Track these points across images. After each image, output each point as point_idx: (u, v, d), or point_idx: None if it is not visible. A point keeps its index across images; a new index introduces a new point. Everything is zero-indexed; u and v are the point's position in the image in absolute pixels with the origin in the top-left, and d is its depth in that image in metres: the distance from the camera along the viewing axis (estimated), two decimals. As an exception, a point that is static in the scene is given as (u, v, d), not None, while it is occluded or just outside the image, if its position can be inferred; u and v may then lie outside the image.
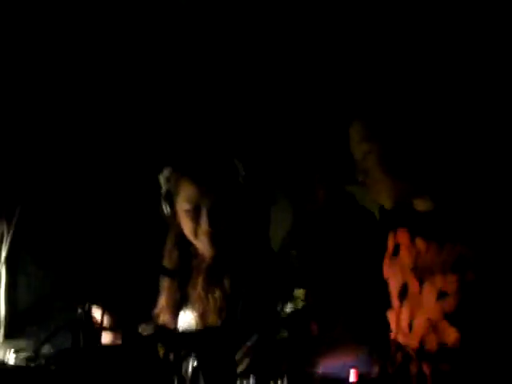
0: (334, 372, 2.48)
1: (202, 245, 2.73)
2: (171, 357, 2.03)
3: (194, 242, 2.75)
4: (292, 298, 2.68)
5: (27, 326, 3.04)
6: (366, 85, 2.54)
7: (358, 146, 2.37)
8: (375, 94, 2.37)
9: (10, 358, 2.30)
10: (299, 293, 2.93)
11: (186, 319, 2.76)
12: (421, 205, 2.38)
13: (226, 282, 2.68)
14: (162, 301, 2.84)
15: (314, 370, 2.39)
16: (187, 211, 2.71)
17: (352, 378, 2.25)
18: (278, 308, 2.53)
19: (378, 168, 2.32)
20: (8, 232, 2.97)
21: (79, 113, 3.52)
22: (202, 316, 2.69)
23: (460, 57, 3.04)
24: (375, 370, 2.48)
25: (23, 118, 3.32)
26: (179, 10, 3.37)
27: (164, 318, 2.80)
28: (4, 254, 2.93)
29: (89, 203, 3.50)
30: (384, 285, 2.56)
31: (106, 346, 2.12)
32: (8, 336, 3.01)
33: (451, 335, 2.26)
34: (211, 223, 2.67)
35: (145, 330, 2.52)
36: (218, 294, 2.68)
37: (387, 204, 2.37)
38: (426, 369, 2.29)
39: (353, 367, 2.26)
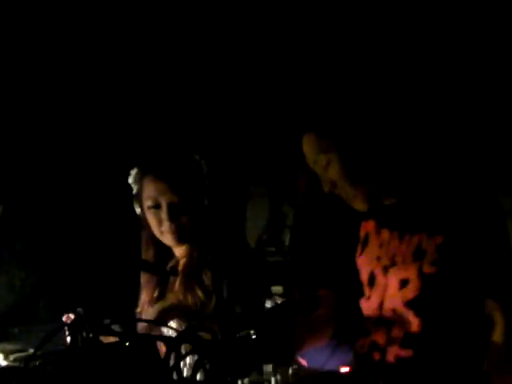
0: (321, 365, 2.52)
1: (169, 242, 2.76)
2: (171, 355, 2.02)
3: (162, 239, 2.77)
4: (271, 295, 2.70)
5: (9, 327, 3.00)
6: (318, 94, 2.59)
7: (316, 159, 2.40)
8: (326, 104, 2.43)
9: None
10: (277, 289, 2.95)
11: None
12: (386, 199, 2.44)
13: (206, 279, 2.69)
14: (143, 298, 2.86)
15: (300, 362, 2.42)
16: (149, 208, 2.73)
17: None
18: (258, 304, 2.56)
19: (342, 177, 2.37)
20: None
21: (57, 115, 3.50)
22: (183, 317, 2.69)
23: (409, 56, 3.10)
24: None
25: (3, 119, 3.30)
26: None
27: (146, 316, 2.79)
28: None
29: (69, 202, 3.48)
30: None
31: (105, 345, 2.10)
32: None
33: (413, 323, 2.33)
34: (171, 219, 2.68)
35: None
36: (199, 293, 2.68)
37: (362, 207, 2.42)
38: (390, 356, 2.35)
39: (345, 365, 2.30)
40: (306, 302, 2.59)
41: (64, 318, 2.56)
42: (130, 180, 2.78)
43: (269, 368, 2.17)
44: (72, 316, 2.53)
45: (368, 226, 2.51)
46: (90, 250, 3.52)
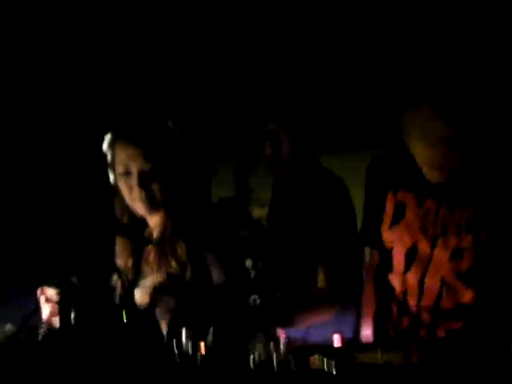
0: (314, 337, 2.53)
1: (140, 210, 2.68)
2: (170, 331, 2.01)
3: (133, 207, 2.68)
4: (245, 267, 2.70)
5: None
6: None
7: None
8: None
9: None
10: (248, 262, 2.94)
11: (141, 292, 2.73)
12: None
13: (180, 250, 2.63)
14: (117, 266, 2.76)
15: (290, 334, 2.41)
16: (120, 175, 2.65)
17: (336, 343, 2.28)
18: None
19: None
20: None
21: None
22: (157, 289, 2.68)
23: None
24: (365, 333, 2.53)
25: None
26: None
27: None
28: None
29: (41, 170, 3.41)
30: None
31: (100, 322, 2.06)
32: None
33: (466, 294, 2.32)
34: (141, 187, 2.61)
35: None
36: (173, 263, 2.67)
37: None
38: (440, 330, 2.33)
39: (337, 332, 2.28)
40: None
41: (38, 293, 2.50)
42: (104, 146, 2.67)
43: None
44: (48, 290, 2.50)
45: (402, 198, 2.44)
46: (64, 219, 3.45)
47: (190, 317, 2.26)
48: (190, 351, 1.98)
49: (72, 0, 3.40)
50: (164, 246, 2.67)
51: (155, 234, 2.74)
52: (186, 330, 2.02)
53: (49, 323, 2.40)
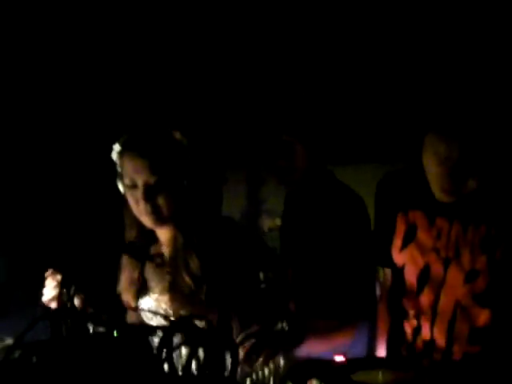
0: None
1: (147, 223, 2.59)
2: (162, 345, 1.94)
3: (141, 220, 2.60)
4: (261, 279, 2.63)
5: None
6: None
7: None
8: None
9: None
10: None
11: (151, 304, 2.63)
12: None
13: (193, 265, 2.55)
14: (123, 280, 2.70)
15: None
16: (127, 187, 2.57)
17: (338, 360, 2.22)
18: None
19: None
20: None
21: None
22: (173, 303, 2.57)
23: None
24: (379, 353, 2.46)
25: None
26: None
27: (125, 297, 2.65)
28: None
29: (46, 183, 3.37)
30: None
31: (92, 335, 1.99)
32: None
33: (482, 316, 2.25)
34: (147, 200, 2.52)
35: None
36: (187, 280, 2.59)
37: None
38: (456, 354, 2.26)
39: (340, 354, 2.22)
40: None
41: (47, 274, 2.47)
42: (114, 156, 2.60)
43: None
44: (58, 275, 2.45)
45: (415, 217, 2.37)
46: (71, 232, 3.41)
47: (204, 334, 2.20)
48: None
49: (85, 13, 3.35)
50: (176, 261, 2.60)
51: (166, 249, 2.67)
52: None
53: (46, 305, 2.39)
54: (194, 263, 2.55)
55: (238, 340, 2.19)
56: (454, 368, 2.25)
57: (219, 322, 2.00)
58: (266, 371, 2.13)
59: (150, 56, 3.58)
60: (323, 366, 2.16)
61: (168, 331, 1.89)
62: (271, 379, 2.07)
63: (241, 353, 2.16)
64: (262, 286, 2.57)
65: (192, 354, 1.89)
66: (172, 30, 3.54)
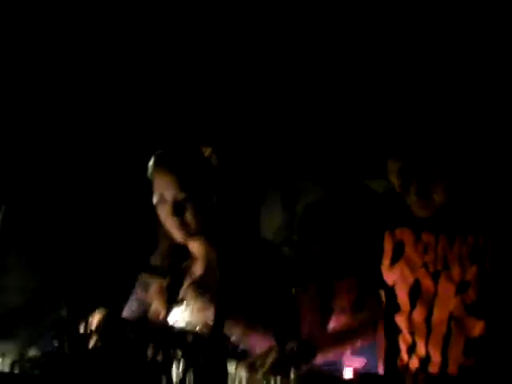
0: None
1: (176, 237, 2.64)
2: (159, 357, 2.00)
3: (171, 234, 2.65)
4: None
5: (15, 329, 3.00)
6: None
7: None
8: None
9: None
10: None
11: (181, 316, 2.69)
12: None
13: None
14: (153, 288, 2.71)
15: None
16: (157, 203, 2.64)
17: (348, 375, 2.23)
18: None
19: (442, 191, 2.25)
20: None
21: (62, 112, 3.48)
22: (201, 315, 2.54)
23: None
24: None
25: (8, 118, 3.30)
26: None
27: (155, 305, 2.67)
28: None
29: (75, 200, 3.46)
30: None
31: (92, 350, 2.06)
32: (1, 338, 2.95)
33: (476, 327, 2.24)
34: (175, 215, 2.58)
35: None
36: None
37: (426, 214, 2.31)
38: (452, 368, 2.24)
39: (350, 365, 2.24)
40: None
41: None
42: (148, 173, 2.67)
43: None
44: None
45: (401, 235, 2.39)
46: (97, 249, 3.49)
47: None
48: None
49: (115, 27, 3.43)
50: (208, 275, 2.62)
51: (198, 263, 2.70)
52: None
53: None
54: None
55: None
56: (450, 382, 2.23)
57: (213, 332, 2.03)
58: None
59: (183, 73, 3.63)
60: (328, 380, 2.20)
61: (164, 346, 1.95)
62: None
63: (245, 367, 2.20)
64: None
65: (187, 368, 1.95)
66: (204, 48, 3.59)
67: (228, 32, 3.51)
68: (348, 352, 2.75)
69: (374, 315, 2.52)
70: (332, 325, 2.83)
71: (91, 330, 2.14)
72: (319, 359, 2.42)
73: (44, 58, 3.38)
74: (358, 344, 2.61)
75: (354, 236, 2.79)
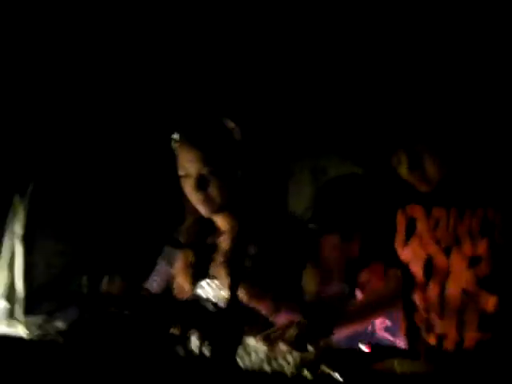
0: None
1: (201, 212, 2.65)
2: (177, 330, 2.02)
3: (197, 208, 2.66)
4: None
5: (45, 303, 3.04)
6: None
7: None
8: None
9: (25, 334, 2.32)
10: None
11: (206, 288, 2.66)
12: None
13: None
14: (178, 263, 2.75)
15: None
16: (181, 177, 2.64)
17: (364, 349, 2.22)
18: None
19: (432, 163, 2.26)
20: (23, 208, 2.95)
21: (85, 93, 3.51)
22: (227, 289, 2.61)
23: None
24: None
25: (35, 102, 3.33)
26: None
27: (179, 280, 2.72)
28: (20, 231, 2.92)
29: (103, 174, 3.48)
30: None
31: (112, 316, 2.10)
32: (27, 313, 3.01)
33: (489, 301, 2.23)
34: (199, 190, 2.58)
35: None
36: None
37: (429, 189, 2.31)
38: (468, 343, 2.24)
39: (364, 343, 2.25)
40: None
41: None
42: (172, 146, 2.68)
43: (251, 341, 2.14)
44: None
45: (412, 211, 2.39)
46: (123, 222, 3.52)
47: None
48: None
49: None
50: (234, 249, 2.61)
51: (224, 238, 2.71)
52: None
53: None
54: (251, 253, 2.57)
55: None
56: (467, 357, 2.23)
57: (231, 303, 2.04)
58: (290, 358, 2.16)
59: (204, 52, 3.63)
60: (340, 354, 2.20)
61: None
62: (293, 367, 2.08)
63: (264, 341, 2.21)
64: None
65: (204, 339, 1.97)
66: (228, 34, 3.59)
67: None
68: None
69: (398, 289, 2.51)
70: (357, 297, 2.80)
71: (111, 297, 2.17)
72: (342, 333, 2.41)
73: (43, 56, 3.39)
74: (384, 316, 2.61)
75: (372, 214, 2.78)
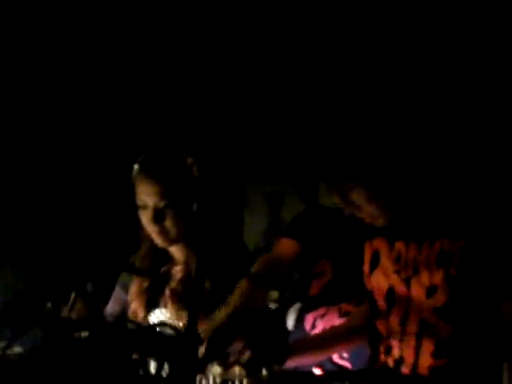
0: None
1: (157, 243, 2.72)
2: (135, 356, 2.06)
3: (153, 239, 2.72)
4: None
5: (5, 329, 3.05)
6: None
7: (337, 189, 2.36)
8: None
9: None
10: (272, 295, 2.95)
11: (160, 317, 2.72)
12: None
13: (208, 286, 2.55)
14: (133, 289, 2.81)
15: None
16: (139, 208, 2.70)
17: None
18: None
19: (365, 201, 2.34)
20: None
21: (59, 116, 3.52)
22: (181, 319, 2.63)
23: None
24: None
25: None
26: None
27: (134, 306, 2.77)
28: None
29: (59, 202, 3.49)
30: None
31: (75, 341, 2.13)
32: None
33: (444, 330, 2.32)
34: (155, 222, 2.65)
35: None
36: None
37: (384, 223, 2.40)
38: (422, 369, 2.33)
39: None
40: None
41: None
42: (132, 176, 2.74)
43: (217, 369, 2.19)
44: None
45: (376, 244, 2.50)
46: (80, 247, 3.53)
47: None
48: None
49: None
50: (188, 280, 2.69)
51: (179, 268, 2.79)
52: None
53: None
54: (206, 283, 2.55)
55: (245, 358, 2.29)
56: (421, 381, 2.33)
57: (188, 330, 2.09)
58: (245, 381, 2.22)
59: (167, 81, 3.68)
60: (299, 377, 2.28)
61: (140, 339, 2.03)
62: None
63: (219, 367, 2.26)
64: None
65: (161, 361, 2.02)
66: (191, 55, 3.63)
67: (211, 43, 3.55)
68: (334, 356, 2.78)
69: (360, 322, 2.62)
70: (319, 328, 2.85)
71: (73, 322, 2.21)
72: (295, 362, 2.50)
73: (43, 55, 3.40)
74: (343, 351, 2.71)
75: (342, 245, 2.84)
